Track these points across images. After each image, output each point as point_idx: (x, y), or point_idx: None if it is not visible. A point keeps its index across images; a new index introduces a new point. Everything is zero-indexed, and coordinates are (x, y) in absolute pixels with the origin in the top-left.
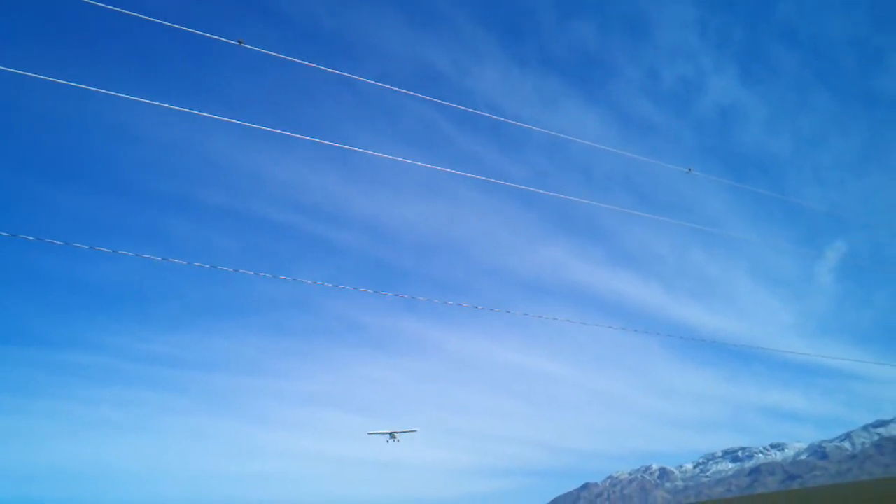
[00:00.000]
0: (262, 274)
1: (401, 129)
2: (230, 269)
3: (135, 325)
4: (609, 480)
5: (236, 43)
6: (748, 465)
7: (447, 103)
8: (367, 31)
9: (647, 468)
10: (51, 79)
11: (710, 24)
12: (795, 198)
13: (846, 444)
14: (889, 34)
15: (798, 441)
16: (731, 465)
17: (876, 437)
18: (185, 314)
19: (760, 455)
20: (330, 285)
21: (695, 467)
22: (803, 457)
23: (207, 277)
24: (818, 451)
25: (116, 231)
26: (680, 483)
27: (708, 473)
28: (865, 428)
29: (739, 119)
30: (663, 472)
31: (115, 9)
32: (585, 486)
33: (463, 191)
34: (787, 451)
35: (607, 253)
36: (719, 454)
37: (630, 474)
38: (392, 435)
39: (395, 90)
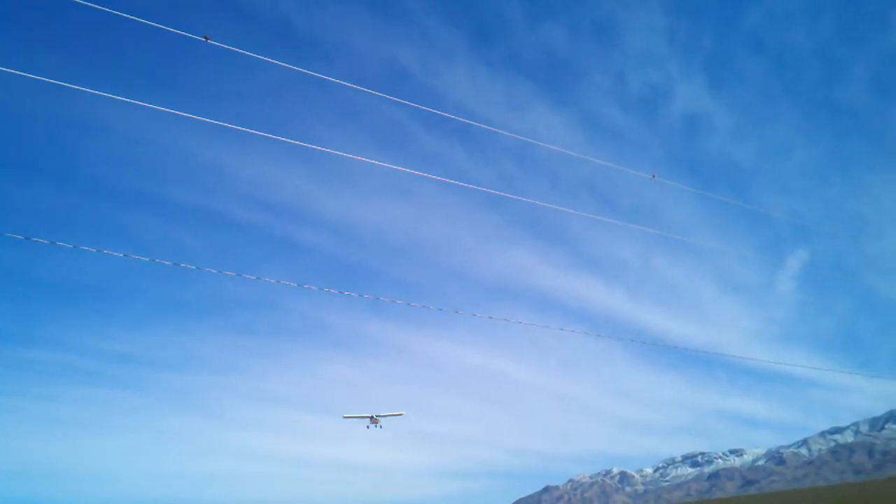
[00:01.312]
0: (226, 273)
1: (369, 129)
2: (193, 267)
3: (96, 322)
4: (570, 483)
5: (203, 39)
6: (707, 469)
7: (416, 105)
8: (337, 31)
9: (608, 472)
10: (12, 71)
11: (678, 31)
12: (759, 206)
13: (803, 451)
14: (853, 46)
15: (756, 447)
16: (690, 470)
17: (832, 444)
18: (147, 312)
19: (719, 460)
20: (294, 285)
21: (655, 471)
22: (761, 462)
23: (171, 275)
24: (776, 457)
25: (78, 226)
26: (640, 487)
27: (668, 478)
28: (822, 434)
29: (705, 127)
30: (624, 476)
31: (79, 1)
32: (547, 489)
33: (430, 192)
34: (745, 456)
35: (572, 257)
36: (679, 459)
37: (591, 478)
38: (373, 419)
39: (364, 90)
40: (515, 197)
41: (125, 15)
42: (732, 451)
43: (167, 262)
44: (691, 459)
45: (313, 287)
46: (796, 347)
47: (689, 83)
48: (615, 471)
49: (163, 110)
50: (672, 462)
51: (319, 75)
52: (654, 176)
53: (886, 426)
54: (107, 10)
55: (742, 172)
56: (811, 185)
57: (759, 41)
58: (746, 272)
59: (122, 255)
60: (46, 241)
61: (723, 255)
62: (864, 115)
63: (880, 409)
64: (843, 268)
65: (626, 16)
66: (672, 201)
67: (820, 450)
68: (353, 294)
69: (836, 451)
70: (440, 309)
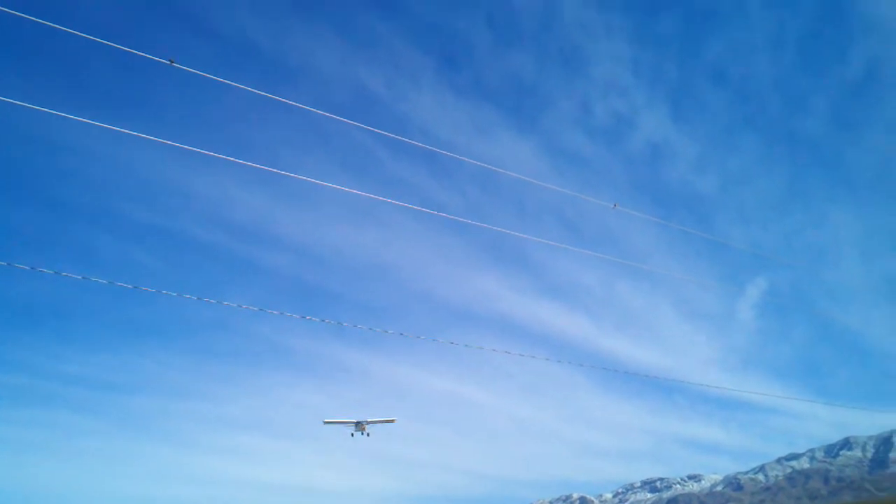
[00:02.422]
0: (186, 296)
1: (335, 152)
2: (153, 290)
3: (52, 343)
4: None
5: (168, 62)
6: (666, 495)
7: (381, 132)
8: (304, 54)
9: (568, 497)
10: None
11: (643, 61)
12: (720, 234)
13: (760, 476)
14: (813, 78)
15: (714, 472)
16: (649, 495)
17: (788, 470)
18: (106, 334)
19: (678, 486)
20: (256, 309)
21: (614, 496)
22: (719, 488)
23: (130, 296)
24: (733, 483)
25: (35, 245)
26: None
27: (626, 503)
28: (779, 461)
29: (668, 156)
30: (584, 501)
31: (41, 21)
32: None
33: (395, 216)
34: (703, 482)
35: (536, 283)
36: (638, 484)
37: (551, 502)
38: (358, 426)
39: (330, 116)
40: (479, 224)
41: (88, 36)
42: (691, 477)
43: (127, 285)
44: (650, 485)
45: (275, 312)
46: (755, 374)
47: (652, 113)
48: (575, 496)
49: (124, 132)
50: (631, 487)
51: (283, 100)
52: (615, 205)
53: (841, 453)
54: (69, 30)
55: (704, 201)
56: (771, 214)
57: (721, 72)
58: (707, 300)
59: (80, 277)
60: (3, 263)
61: (684, 283)
62: (822, 146)
63: (835, 436)
64: (801, 296)
65: (592, 45)
66: (635, 228)
67: (777, 476)
68: (314, 319)
69: (792, 478)
70: (401, 334)
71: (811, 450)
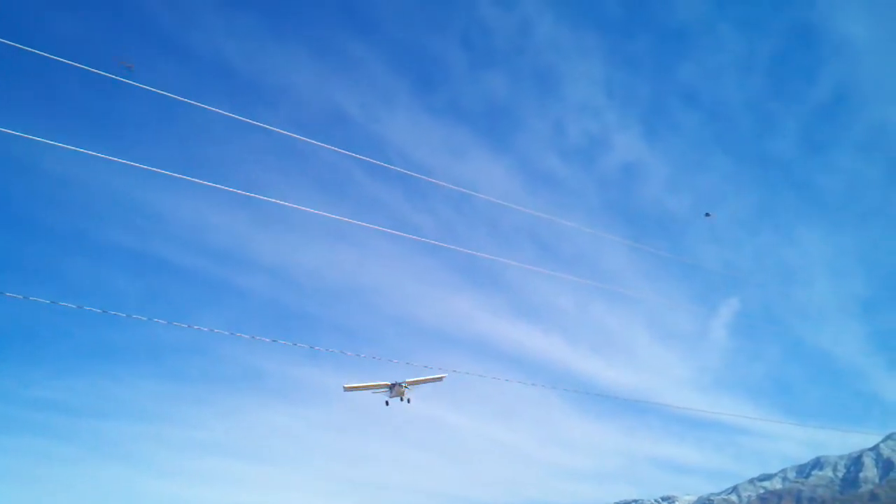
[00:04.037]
0: (156, 320)
1: (309, 172)
2: (123, 315)
3: (19, 367)
4: None
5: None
6: None
7: (356, 155)
8: (279, 74)
9: None
10: None
11: (616, 82)
12: (692, 254)
13: (733, 497)
14: (783, 100)
15: (687, 494)
16: None
17: (761, 490)
18: (75, 357)
19: None
20: (227, 333)
21: None
22: None
23: (100, 319)
24: None
25: (3, 269)
26: None
27: None
28: (751, 481)
29: (641, 176)
30: None
31: (8, 43)
32: None
33: (370, 237)
34: (676, 503)
35: (511, 304)
36: None
37: None
38: (395, 389)
39: (306, 140)
40: (452, 247)
41: (59, 59)
42: (664, 498)
43: (96, 310)
44: None
45: (246, 336)
46: (728, 394)
47: (625, 133)
48: None
49: (97, 155)
50: None
51: (258, 123)
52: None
53: (813, 473)
54: (39, 52)
55: (676, 221)
56: (742, 234)
57: (693, 93)
58: (680, 320)
59: (49, 301)
60: None
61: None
62: (793, 166)
63: (807, 456)
64: (772, 316)
65: (565, 66)
66: (609, 248)
67: (749, 496)
68: (286, 342)
69: (765, 498)
70: (374, 357)
71: (783, 470)
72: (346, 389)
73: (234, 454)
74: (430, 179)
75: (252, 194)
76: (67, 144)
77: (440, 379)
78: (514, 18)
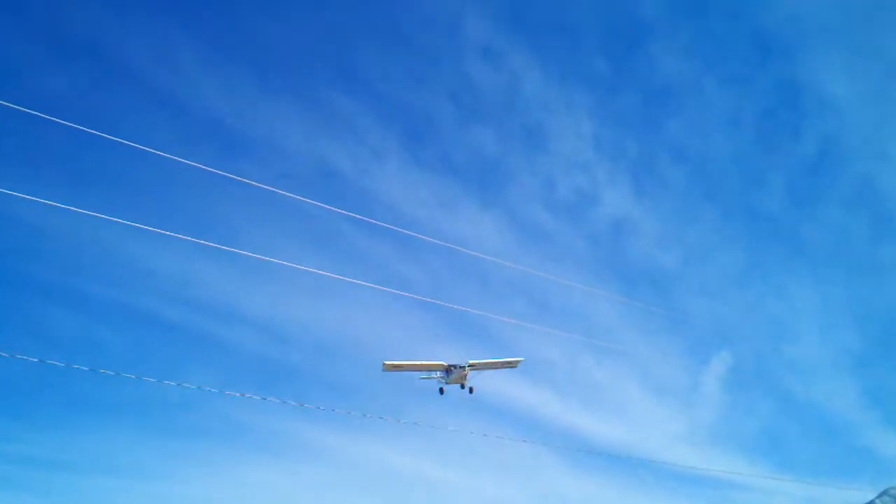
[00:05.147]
0: (145, 378)
1: (298, 226)
2: (112, 373)
3: (4, 422)
4: None
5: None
6: None
7: (345, 212)
8: (268, 128)
9: None
10: None
11: (604, 138)
12: (683, 308)
13: None
14: (769, 155)
15: None
16: None
17: None
18: (61, 412)
19: None
20: (216, 390)
21: None
22: None
23: (87, 374)
24: None
25: None
26: None
27: None
28: None
29: (631, 231)
30: None
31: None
32: None
33: (360, 290)
34: None
35: (501, 358)
36: None
37: None
38: (452, 373)
39: (293, 197)
40: (441, 303)
41: (45, 116)
42: None
43: (84, 368)
44: None
45: (235, 393)
46: (722, 449)
47: (615, 188)
48: None
49: (85, 213)
50: None
51: (246, 181)
52: None
53: None
54: (24, 110)
55: (666, 276)
56: (732, 288)
57: (682, 149)
58: (672, 374)
59: (36, 359)
60: None
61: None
62: (780, 220)
63: None
64: (764, 370)
65: (554, 121)
66: (601, 302)
67: None
68: (275, 399)
69: None
70: (364, 415)
71: None
72: (387, 368)
73: None
74: (419, 236)
75: (240, 251)
76: (56, 200)
77: (514, 364)
78: (503, 74)
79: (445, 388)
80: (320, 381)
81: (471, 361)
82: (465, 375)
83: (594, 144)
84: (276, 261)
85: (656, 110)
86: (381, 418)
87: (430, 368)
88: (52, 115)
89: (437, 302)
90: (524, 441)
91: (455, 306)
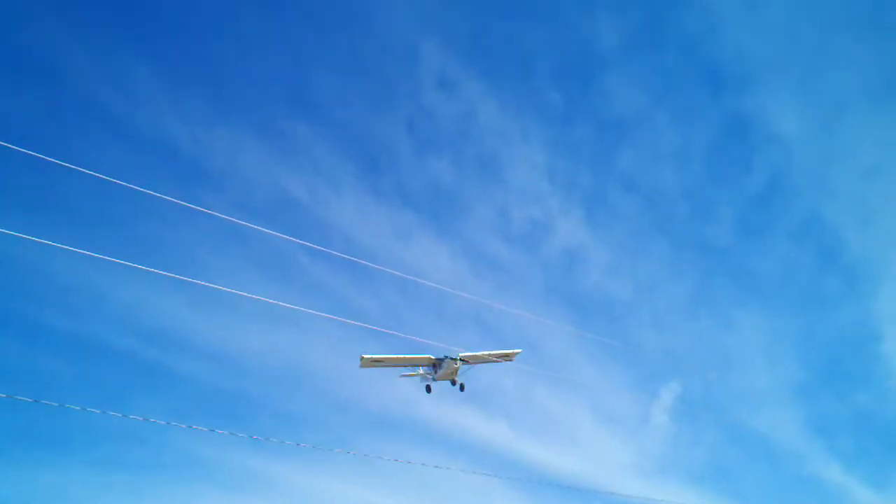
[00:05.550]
0: (90, 409)
1: (253, 254)
2: (56, 404)
3: None
4: None
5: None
6: None
7: (301, 241)
8: (225, 156)
9: None
10: None
11: (557, 169)
12: (634, 338)
13: None
14: (719, 188)
15: None
16: None
17: None
18: (2, 445)
19: None
20: (163, 422)
21: None
22: None
23: (30, 405)
24: None
25: None
26: None
27: None
28: None
29: (583, 261)
30: None
31: None
32: None
33: (315, 320)
34: None
35: (454, 388)
36: None
37: None
38: (442, 367)
39: (249, 225)
40: (397, 333)
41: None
42: None
43: (27, 399)
44: None
45: (183, 425)
46: (671, 479)
47: (567, 219)
48: None
49: (29, 238)
50: None
51: (202, 209)
52: None
53: None
54: None
55: (618, 306)
56: (680, 319)
57: (632, 181)
58: (623, 404)
59: None
60: None
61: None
62: (729, 253)
63: None
64: (712, 400)
65: (508, 152)
66: (552, 333)
67: None
68: (223, 432)
69: None
70: (314, 447)
71: None
72: (365, 364)
73: None
74: (376, 266)
75: (193, 279)
76: (0, 226)
77: (511, 357)
78: (458, 104)
79: (433, 385)
80: (274, 411)
81: (462, 354)
82: (457, 370)
83: (548, 175)
84: (229, 290)
85: (609, 142)
86: (332, 450)
87: (415, 363)
88: (4, 139)
89: (392, 332)
90: (474, 472)
91: (409, 336)
